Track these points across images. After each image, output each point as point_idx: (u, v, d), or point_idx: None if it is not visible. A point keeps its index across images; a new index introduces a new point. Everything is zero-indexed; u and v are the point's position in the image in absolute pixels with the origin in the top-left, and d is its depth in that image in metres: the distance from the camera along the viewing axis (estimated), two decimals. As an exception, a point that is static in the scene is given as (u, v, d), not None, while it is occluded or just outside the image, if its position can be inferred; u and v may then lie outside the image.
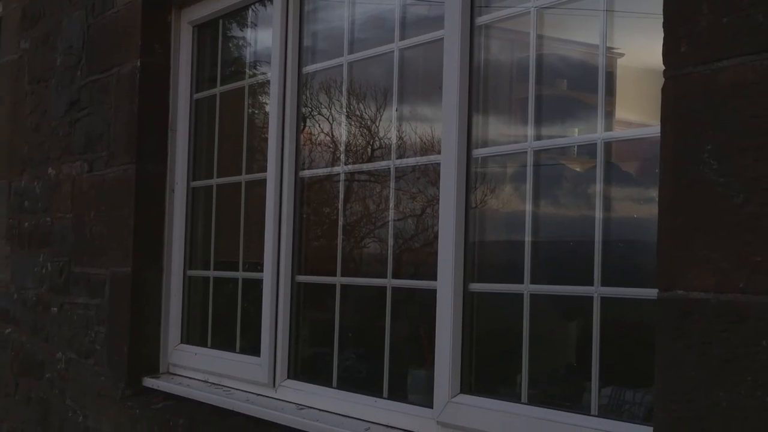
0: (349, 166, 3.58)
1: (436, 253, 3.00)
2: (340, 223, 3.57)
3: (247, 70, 4.29)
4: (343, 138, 3.64)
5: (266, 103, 4.05)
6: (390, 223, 3.33)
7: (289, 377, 3.68)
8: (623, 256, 2.65)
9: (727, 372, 1.92)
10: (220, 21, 4.38)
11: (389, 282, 3.27)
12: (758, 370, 1.86)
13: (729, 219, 1.93)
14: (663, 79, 2.07)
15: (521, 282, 2.78)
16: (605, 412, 2.56)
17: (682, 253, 2.00)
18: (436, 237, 3.04)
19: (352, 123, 3.64)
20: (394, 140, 3.35)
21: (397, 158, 3.32)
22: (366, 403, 3.24)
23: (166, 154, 4.45)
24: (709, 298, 1.95)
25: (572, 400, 2.73)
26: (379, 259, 3.42)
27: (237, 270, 4.13)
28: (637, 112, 2.71)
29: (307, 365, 3.73)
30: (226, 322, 4.20)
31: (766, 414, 1.85)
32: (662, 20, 2.09)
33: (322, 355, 3.61)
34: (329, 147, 3.74)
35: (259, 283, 3.84)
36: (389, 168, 3.34)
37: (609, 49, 2.64)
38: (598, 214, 2.58)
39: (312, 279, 3.72)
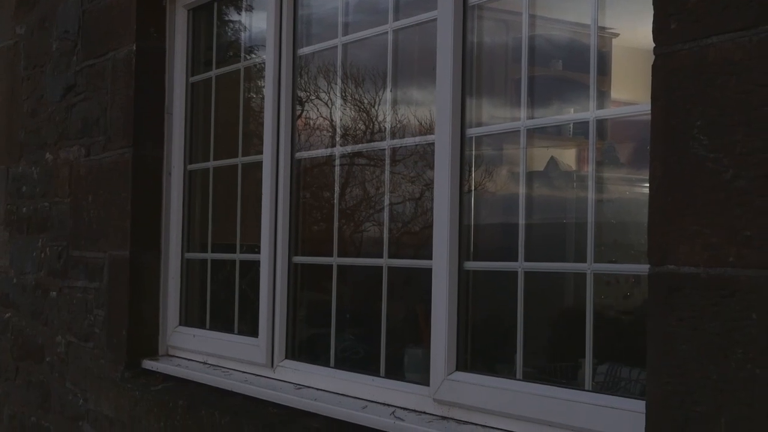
0: (345, 147, 3.60)
1: (432, 232, 3.02)
2: (336, 203, 3.58)
3: (242, 53, 4.29)
4: (339, 120, 3.65)
5: (262, 86, 4.05)
6: (386, 203, 3.35)
7: (287, 358, 3.70)
8: (616, 234, 2.68)
9: (718, 345, 1.94)
10: (215, 4, 4.38)
11: (385, 262, 3.29)
12: (748, 343, 1.89)
13: (719, 194, 1.95)
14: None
15: (516, 260, 2.80)
16: (600, 388, 2.58)
17: (673, 229, 2.02)
18: (432, 217, 3.06)
19: (348, 105, 3.65)
20: (389, 121, 3.36)
21: (392, 139, 3.34)
22: (363, 381, 3.26)
23: (162, 138, 4.45)
24: (700, 273, 1.98)
25: (568, 377, 2.76)
26: (375, 239, 3.44)
27: (234, 252, 4.15)
28: (634, 92, 2.72)
29: (305, 345, 3.75)
30: (224, 303, 4.22)
31: (755, 386, 1.88)
32: (653, -1, 2.11)
33: (319, 336, 3.63)
34: (325, 129, 3.75)
35: (256, 264, 3.86)
36: (384, 149, 3.36)
37: (603, 29, 2.65)
38: (591, 195, 2.60)
39: (309, 260, 3.74)
